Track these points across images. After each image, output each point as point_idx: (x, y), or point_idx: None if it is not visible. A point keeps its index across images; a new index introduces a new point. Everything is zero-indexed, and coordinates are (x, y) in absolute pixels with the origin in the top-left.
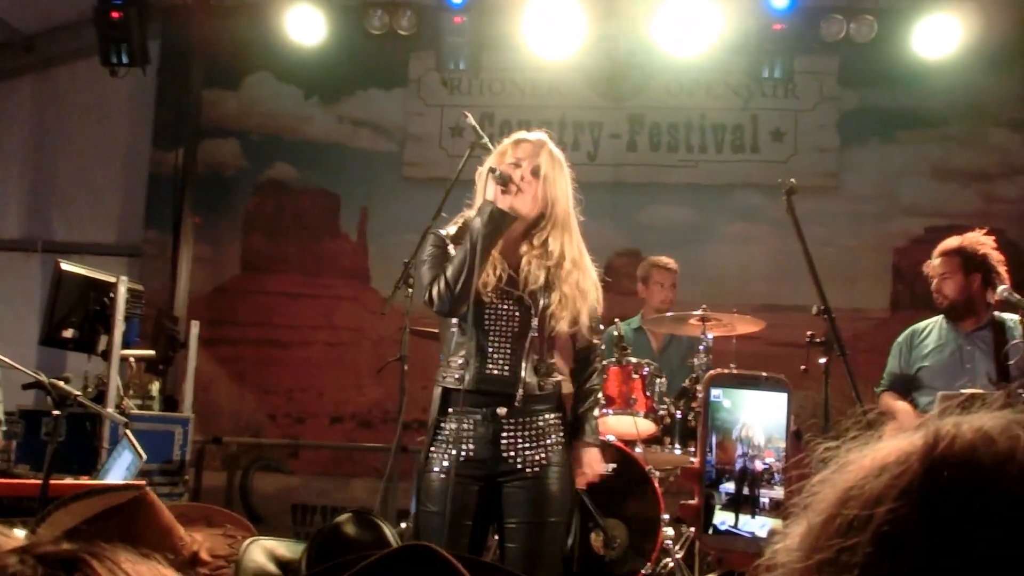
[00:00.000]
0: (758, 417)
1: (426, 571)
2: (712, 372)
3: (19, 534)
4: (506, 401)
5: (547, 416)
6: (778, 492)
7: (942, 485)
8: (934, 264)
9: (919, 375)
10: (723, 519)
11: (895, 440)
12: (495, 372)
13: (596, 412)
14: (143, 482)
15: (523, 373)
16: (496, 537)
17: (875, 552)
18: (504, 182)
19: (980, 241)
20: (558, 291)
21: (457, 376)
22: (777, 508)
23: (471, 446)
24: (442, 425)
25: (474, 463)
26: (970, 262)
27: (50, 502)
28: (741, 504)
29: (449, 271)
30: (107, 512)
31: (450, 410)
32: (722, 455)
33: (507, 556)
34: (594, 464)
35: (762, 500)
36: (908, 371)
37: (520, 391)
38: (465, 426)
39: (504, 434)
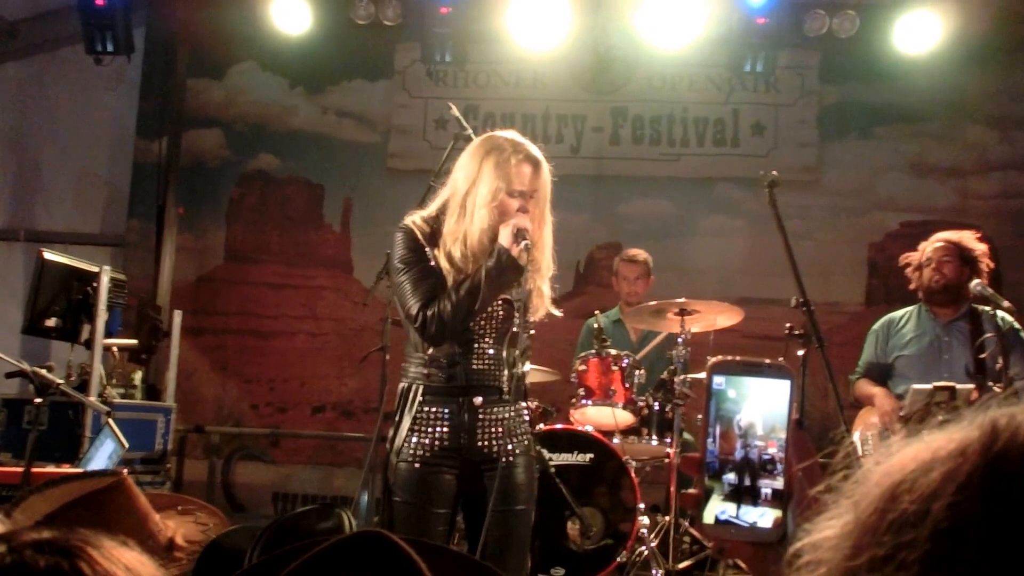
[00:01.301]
0: (760, 406)
1: (378, 556)
2: (715, 359)
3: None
4: (485, 392)
5: (517, 406)
6: (780, 483)
7: (1007, 478)
8: (933, 247)
9: (896, 364)
10: (724, 508)
11: (943, 433)
12: (481, 368)
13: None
14: (124, 470)
15: (506, 368)
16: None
17: (935, 548)
18: (527, 247)
19: (976, 241)
20: (531, 283)
21: (444, 376)
22: (779, 498)
23: (446, 433)
24: (416, 415)
25: (449, 451)
26: (965, 255)
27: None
28: (743, 494)
29: (449, 307)
30: (84, 498)
31: (424, 399)
32: (724, 444)
33: (478, 543)
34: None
35: (764, 491)
36: (884, 360)
37: (506, 385)
38: (440, 415)
39: (480, 423)
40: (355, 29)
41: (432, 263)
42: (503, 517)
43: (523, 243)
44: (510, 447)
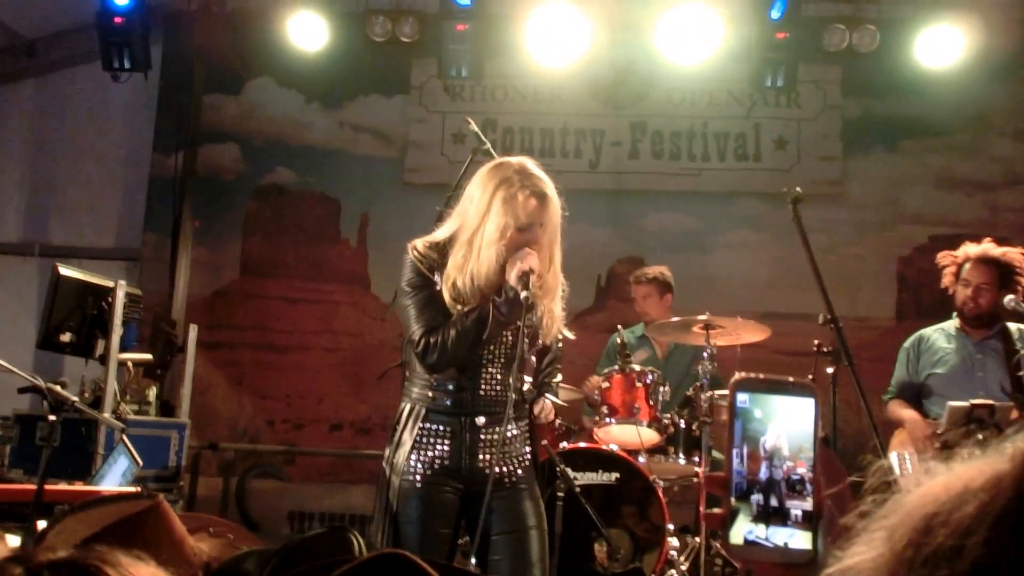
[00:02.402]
0: (786, 424)
1: None
2: (738, 376)
3: (13, 541)
4: (489, 415)
5: (521, 424)
6: (809, 503)
7: None
8: (975, 267)
9: (928, 383)
10: (751, 529)
11: (975, 463)
12: (489, 394)
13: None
14: (138, 488)
15: (512, 393)
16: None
17: None
18: (528, 297)
19: (1020, 260)
20: (541, 306)
21: (449, 402)
22: (808, 519)
23: (447, 452)
24: (418, 434)
25: (450, 472)
26: (1007, 278)
27: (44, 508)
28: (771, 515)
29: (453, 336)
30: (121, 523)
31: (426, 418)
32: (751, 464)
33: (494, 568)
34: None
35: (793, 512)
36: (916, 379)
37: (510, 409)
38: (442, 434)
39: (482, 444)
40: (371, 45)
41: (438, 289)
42: (519, 538)
43: (524, 293)
44: (511, 467)
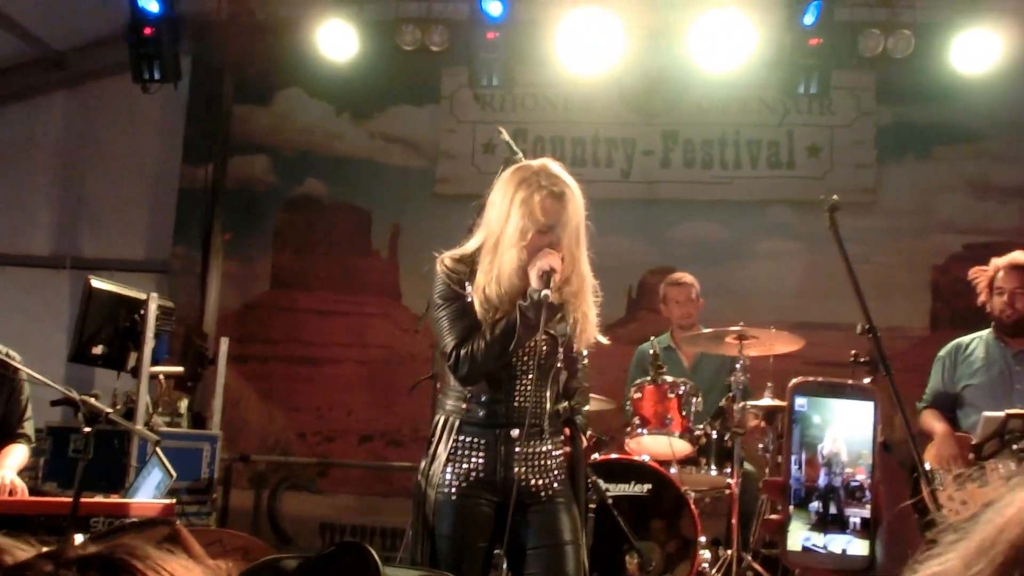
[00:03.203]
0: (844, 429)
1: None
2: (797, 380)
3: None
4: (523, 426)
5: (556, 439)
6: (868, 510)
7: None
8: (1007, 274)
9: (964, 393)
10: (808, 536)
11: None
12: (523, 405)
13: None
14: (172, 501)
15: (547, 404)
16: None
17: None
18: (546, 297)
19: None
20: (573, 316)
21: (483, 414)
22: (867, 527)
23: (482, 465)
24: (453, 446)
25: (485, 484)
26: None
27: (81, 520)
28: (829, 522)
29: (483, 347)
30: None
31: (461, 431)
32: (808, 471)
33: None
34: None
35: (852, 519)
36: (952, 389)
37: (546, 421)
38: (477, 446)
39: (517, 456)
40: (401, 55)
41: (469, 300)
42: (554, 552)
43: (543, 292)
44: (547, 480)
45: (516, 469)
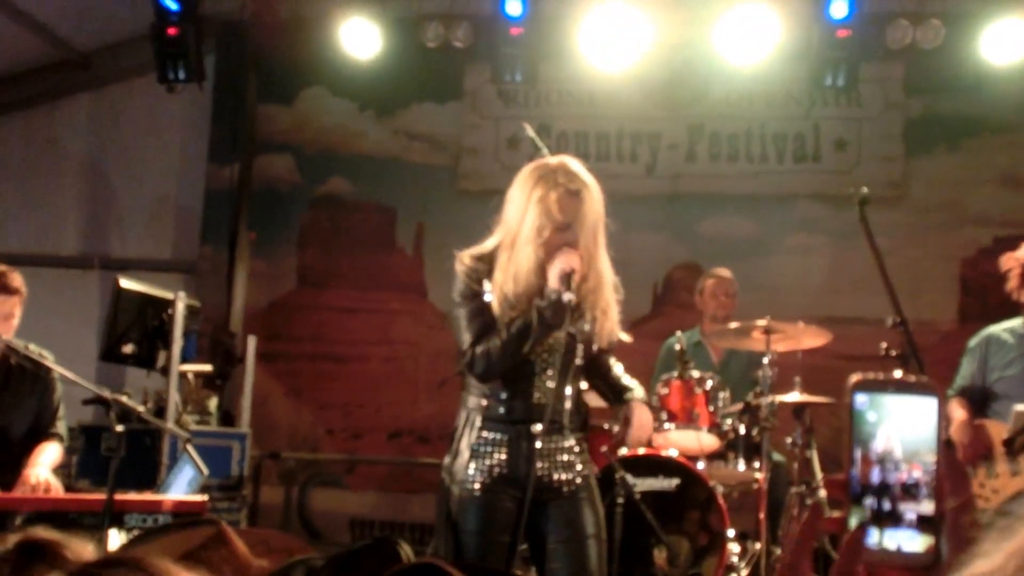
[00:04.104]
0: (904, 426)
1: None
2: (857, 377)
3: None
4: (544, 422)
5: (578, 434)
6: (926, 507)
7: None
8: None
9: (996, 387)
10: (868, 533)
11: None
12: (541, 401)
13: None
14: (205, 498)
15: (568, 403)
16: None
17: None
18: (570, 300)
19: None
20: (592, 313)
21: (503, 410)
22: (927, 523)
23: (505, 460)
24: (476, 442)
25: (509, 480)
26: None
27: (115, 517)
28: (882, 520)
29: (499, 345)
30: (190, 554)
31: (483, 427)
32: (863, 468)
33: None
34: (645, 421)
35: (907, 516)
36: (983, 381)
37: (566, 419)
38: (500, 442)
39: (539, 452)
40: (425, 51)
41: (487, 299)
42: (577, 546)
43: (567, 296)
44: (570, 475)
45: (538, 464)
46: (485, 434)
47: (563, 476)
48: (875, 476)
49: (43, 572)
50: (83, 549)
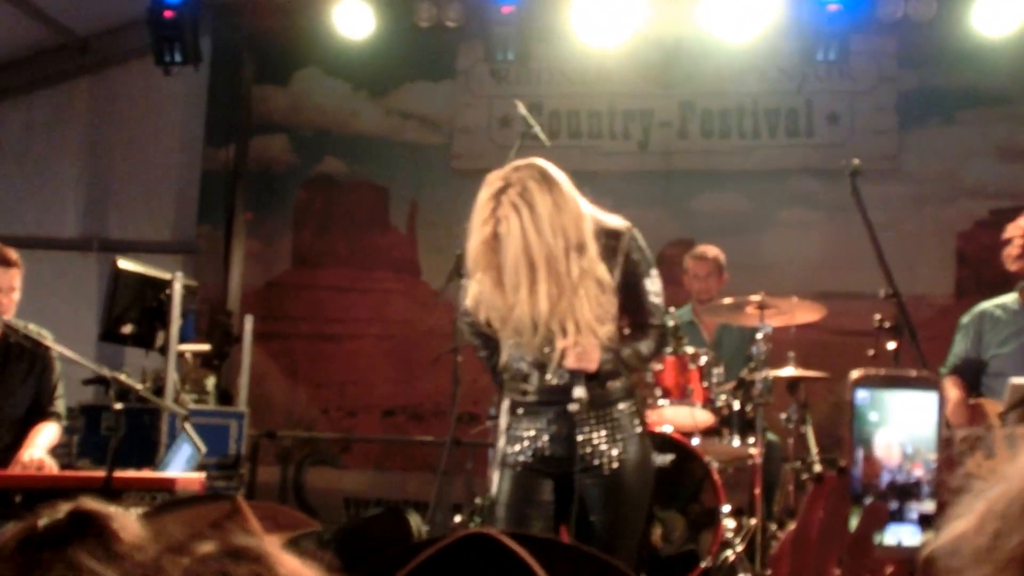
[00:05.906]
0: (902, 423)
1: (485, 557)
2: (858, 373)
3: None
4: (570, 402)
5: (620, 406)
6: (928, 506)
7: None
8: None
9: (992, 362)
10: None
11: None
12: (555, 382)
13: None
14: (203, 475)
15: (580, 388)
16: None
17: None
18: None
19: None
20: (566, 328)
21: (520, 390)
22: (928, 522)
23: (546, 443)
24: (511, 422)
25: (546, 459)
26: None
27: (115, 494)
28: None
29: (485, 359)
30: (213, 524)
31: (516, 409)
32: (867, 468)
33: None
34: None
35: (909, 515)
36: (978, 356)
37: (576, 405)
38: (534, 423)
39: (579, 430)
40: (417, 31)
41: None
42: (611, 527)
43: (577, 391)
44: (616, 451)
45: (580, 439)
46: (519, 412)
47: (604, 452)
48: (883, 477)
49: (91, 548)
50: (129, 522)
